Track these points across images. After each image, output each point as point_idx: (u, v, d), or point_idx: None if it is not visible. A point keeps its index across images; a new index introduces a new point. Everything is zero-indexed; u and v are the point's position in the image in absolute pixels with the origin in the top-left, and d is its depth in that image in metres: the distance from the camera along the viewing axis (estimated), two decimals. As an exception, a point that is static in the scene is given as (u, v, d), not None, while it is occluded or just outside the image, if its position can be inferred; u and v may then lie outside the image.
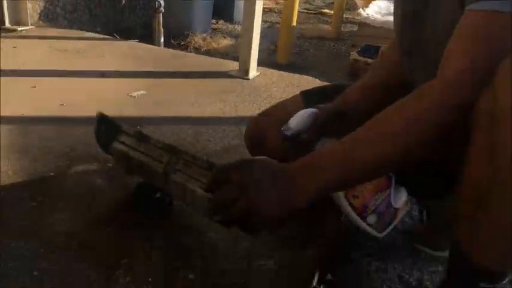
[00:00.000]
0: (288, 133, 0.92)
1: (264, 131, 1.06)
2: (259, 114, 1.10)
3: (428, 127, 0.70)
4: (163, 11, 2.81)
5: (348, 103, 1.03)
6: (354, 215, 0.84)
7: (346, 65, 2.68)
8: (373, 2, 2.91)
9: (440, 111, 0.70)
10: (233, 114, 1.75)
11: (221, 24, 3.66)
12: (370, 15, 2.55)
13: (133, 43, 2.60)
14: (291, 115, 0.97)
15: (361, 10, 2.63)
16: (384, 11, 2.64)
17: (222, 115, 1.74)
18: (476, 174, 0.71)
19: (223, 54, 2.87)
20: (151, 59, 2.32)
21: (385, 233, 0.85)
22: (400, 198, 0.86)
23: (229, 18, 3.71)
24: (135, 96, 1.83)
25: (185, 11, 3.08)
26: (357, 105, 1.03)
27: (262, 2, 2.12)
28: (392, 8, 1.07)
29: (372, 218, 0.85)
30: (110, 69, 2.11)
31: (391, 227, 0.85)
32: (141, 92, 1.88)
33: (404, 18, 0.97)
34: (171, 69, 2.19)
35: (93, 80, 1.97)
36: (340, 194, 0.85)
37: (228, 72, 2.19)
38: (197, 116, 1.71)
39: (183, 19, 3.06)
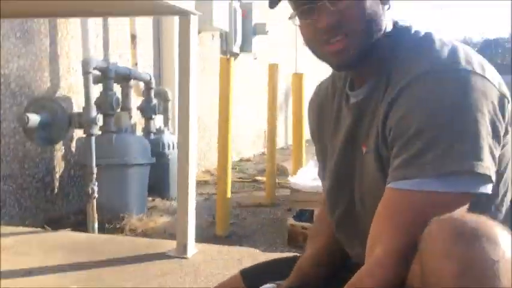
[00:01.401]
0: None
1: None
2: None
3: None
4: (97, 196, 2.80)
5: (304, 276, 1.04)
6: None
7: (284, 230, 2.71)
8: (300, 168, 3.08)
9: None
10: (173, 300, 1.65)
11: (158, 201, 3.67)
12: (299, 181, 2.68)
13: (65, 233, 2.52)
14: None
15: (289, 178, 2.76)
16: (312, 176, 2.78)
17: (161, 302, 1.64)
18: None
19: (161, 233, 2.83)
20: (84, 249, 2.23)
21: None
22: None
23: (165, 194, 3.74)
24: (66, 293, 1.71)
25: (119, 193, 3.09)
26: (313, 276, 1.04)
27: (194, 177, 2.18)
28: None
29: None
30: (37, 265, 1.99)
31: None
32: (73, 287, 1.76)
33: (333, 190, 1.02)
34: (105, 258, 2.10)
35: (18, 280, 1.84)
36: None
37: (165, 253, 2.13)
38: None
39: (118, 201, 3.05)
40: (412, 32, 0.92)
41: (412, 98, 0.81)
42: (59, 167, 3.12)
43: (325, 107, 1.06)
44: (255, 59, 6.58)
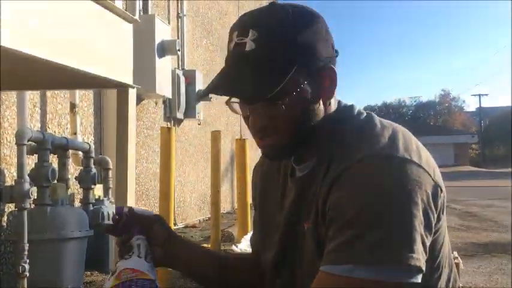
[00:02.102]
0: (126, 210, 0.92)
1: None
2: None
3: None
4: (27, 274, 2.62)
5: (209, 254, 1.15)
6: None
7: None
8: (244, 236, 3.05)
9: None
10: None
11: (95, 276, 3.49)
12: (243, 250, 2.64)
13: (-10, 317, 2.31)
14: None
15: (233, 247, 2.72)
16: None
17: None
18: None
19: (98, 311, 2.66)
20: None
21: None
22: None
23: (104, 267, 3.56)
24: None
25: (53, 270, 2.90)
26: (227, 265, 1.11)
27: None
28: None
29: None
30: None
31: None
32: None
33: (275, 264, 1.00)
34: None
35: None
36: (109, 284, 0.81)
37: (101, 335, 2.00)
38: None
39: (51, 279, 2.86)
40: (355, 113, 0.95)
41: (349, 183, 0.83)
42: (-13, 243, 2.92)
43: (270, 176, 1.07)
44: (199, 124, 6.63)
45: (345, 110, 0.96)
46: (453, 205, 9.30)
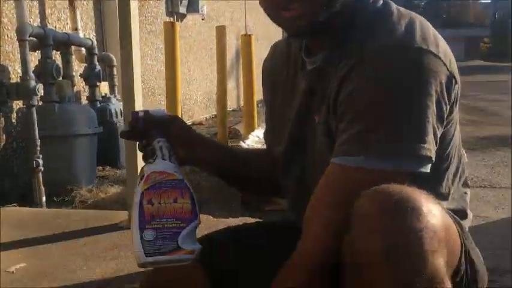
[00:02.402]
0: (141, 114, 0.91)
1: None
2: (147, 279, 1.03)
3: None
4: (42, 169, 2.71)
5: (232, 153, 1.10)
6: (135, 220, 0.77)
7: (237, 193, 2.72)
8: (251, 133, 3.08)
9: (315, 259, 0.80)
10: (126, 272, 1.64)
11: (108, 170, 3.60)
12: (250, 145, 2.68)
13: (10, 209, 2.44)
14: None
15: (241, 143, 2.76)
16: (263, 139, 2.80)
17: (114, 274, 1.62)
18: None
19: (113, 203, 2.78)
20: (31, 224, 2.17)
21: (148, 259, 0.75)
22: (189, 245, 0.78)
23: (115, 163, 3.67)
24: (13, 272, 1.66)
25: (66, 165, 3.00)
26: (245, 163, 1.07)
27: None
28: None
29: (149, 235, 0.76)
30: (-18, 244, 1.92)
31: (159, 259, 0.75)
32: (21, 265, 1.72)
33: (286, 157, 1.01)
34: (54, 232, 2.05)
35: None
36: (139, 189, 0.79)
37: (117, 224, 2.10)
38: (87, 281, 1.58)
39: (65, 174, 2.96)
40: (371, 1, 0.90)
41: (363, 75, 0.81)
42: (0, 140, 2.98)
43: (279, 70, 1.04)
44: (203, 19, 6.42)
45: None
46: (461, 100, 9.25)
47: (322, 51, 0.91)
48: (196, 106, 6.70)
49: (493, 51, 39.86)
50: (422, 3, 48.40)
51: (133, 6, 1.95)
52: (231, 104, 7.98)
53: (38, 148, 2.68)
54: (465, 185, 0.98)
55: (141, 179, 0.82)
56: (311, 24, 0.86)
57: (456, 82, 0.85)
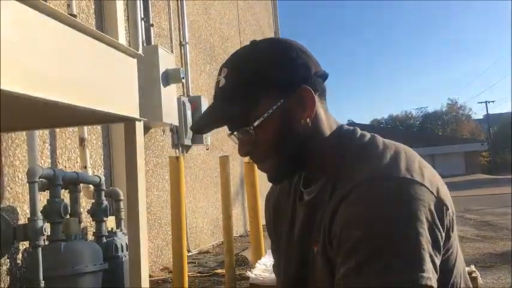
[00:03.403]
0: None
1: None
2: None
3: None
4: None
5: None
6: None
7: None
8: (258, 261, 3.03)
9: None
10: None
11: (112, 309, 3.48)
12: (257, 275, 2.63)
13: None
14: None
15: (248, 272, 2.71)
16: (270, 267, 2.74)
17: None
18: None
19: None
20: None
21: None
22: None
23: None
24: None
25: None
26: None
27: (147, 279, 2.09)
28: None
29: None
30: None
31: None
32: None
33: (289, 284, 1.01)
34: None
35: None
36: None
37: None
38: None
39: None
40: (358, 135, 0.97)
41: (352, 207, 0.84)
42: (4, 283, 2.93)
43: (281, 202, 1.08)
44: (207, 149, 6.66)
45: (348, 133, 0.98)
46: (468, 215, 9.19)
47: (318, 182, 0.96)
48: (202, 234, 6.66)
49: (494, 165, 40.37)
50: (417, 123, 50.22)
51: (139, 143, 2.06)
52: (238, 229, 7.93)
53: (42, 289, 2.62)
54: None
55: None
56: (281, 173, 0.97)
57: (448, 208, 0.86)
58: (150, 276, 4.75)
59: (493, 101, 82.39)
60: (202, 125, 1.02)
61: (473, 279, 2.36)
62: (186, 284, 2.87)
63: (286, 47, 0.96)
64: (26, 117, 2.01)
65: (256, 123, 0.92)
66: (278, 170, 0.96)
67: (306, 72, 0.95)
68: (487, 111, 46.50)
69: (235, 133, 0.96)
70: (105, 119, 2.33)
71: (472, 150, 36.76)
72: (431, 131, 45.55)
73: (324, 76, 0.98)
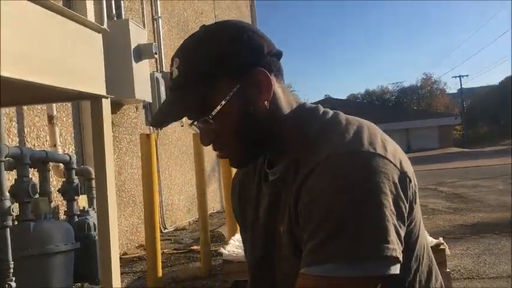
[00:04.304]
0: None
1: None
2: None
3: None
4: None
5: None
6: None
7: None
8: (232, 237, 3.04)
9: None
10: None
11: (86, 287, 3.46)
12: (231, 251, 2.64)
13: None
14: None
15: (221, 249, 2.71)
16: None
17: None
18: None
19: (89, 324, 2.64)
20: None
21: None
22: None
23: (94, 279, 3.53)
24: None
25: (42, 283, 2.87)
26: None
27: (118, 259, 2.07)
28: None
29: None
30: None
31: None
32: None
33: (256, 273, 1.01)
34: None
35: None
36: None
37: None
38: None
39: (39, 294, 2.83)
40: (320, 113, 0.96)
41: (316, 184, 0.83)
42: (-28, 263, 2.87)
43: (246, 185, 1.07)
44: (182, 126, 6.59)
45: (310, 111, 0.97)
46: (440, 188, 9.41)
47: (281, 162, 0.95)
48: (179, 211, 6.65)
49: (467, 138, 41.28)
50: (393, 97, 50.78)
51: (107, 121, 2.01)
52: (215, 206, 7.95)
53: (11, 270, 2.58)
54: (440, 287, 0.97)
55: None
56: (242, 157, 0.97)
57: (410, 181, 0.87)
58: (126, 253, 4.74)
59: (467, 75, 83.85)
60: (161, 120, 1.00)
61: (441, 251, 2.41)
62: (159, 261, 2.87)
63: (237, 31, 0.93)
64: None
65: (214, 113, 0.90)
66: (241, 156, 0.96)
67: (259, 53, 0.93)
68: (460, 85, 47.28)
69: (195, 123, 0.94)
70: (70, 97, 2.27)
71: (446, 124, 37.44)
72: (406, 106, 46.14)
73: (279, 54, 0.96)
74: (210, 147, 0.97)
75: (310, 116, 0.95)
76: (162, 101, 5.56)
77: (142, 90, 4.89)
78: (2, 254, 2.62)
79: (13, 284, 2.57)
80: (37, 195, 2.99)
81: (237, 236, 3.17)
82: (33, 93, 2.04)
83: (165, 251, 4.62)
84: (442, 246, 2.53)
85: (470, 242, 4.33)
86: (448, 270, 2.57)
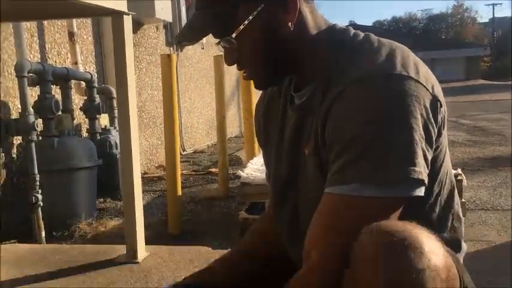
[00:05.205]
0: None
1: None
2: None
3: None
4: (41, 204, 2.71)
5: (210, 275, 1.10)
6: None
7: (237, 224, 2.71)
8: (250, 161, 3.08)
9: None
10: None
11: (108, 202, 3.60)
12: (249, 174, 2.68)
13: (9, 246, 2.43)
14: None
15: (239, 172, 2.76)
16: (262, 167, 2.79)
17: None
18: None
19: (112, 237, 2.77)
20: (29, 261, 2.15)
21: None
22: None
23: (116, 195, 3.67)
24: (9, 312, 1.65)
25: (66, 199, 3.00)
26: (219, 278, 1.09)
27: (139, 176, 2.13)
28: None
29: None
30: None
31: None
32: (17, 304, 1.70)
33: (279, 193, 1.02)
34: (52, 269, 2.04)
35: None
36: None
37: (115, 259, 2.09)
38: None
39: (65, 208, 2.96)
40: (351, 35, 0.93)
41: (347, 106, 0.82)
42: (0, 176, 2.99)
43: (271, 109, 1.06)
44: (202, 48, 6.50)
45: (340, 33, 0.93)
46: (462, 120, 9.28)
47: (309, 85, 0.93)
48: (198, 134, 6.73)
49: (494, 70, 40.02)
50: (421, 25, 48.87)
51: (128, 39, 1.98)
52: (234, 130, 8.01)
53: (37, 183, 2.69)
54: (458, 213, 0.98)
55: None
56: (266, 81, 0.96)
57: (441, 105, 0.86)
58: (146, 173, 4.87)
59: (501, 4, 79.79)
60: (187, 36, 0.99)
61: (458, 182, 2.42)
62: (179, 181, 2.95)
63: None
64: (10, 7, 1.91)
65: (236, 32, 0.88)
66: (264, 77, 0.94)
67: None
68: (493, 14, 45.12)
69: (220, 43, 0.92)
70: (91, 12, 2.24)
71: (474, 55, 36.17)
72: (434, 34, 44.46)
73: None
74: (231, 70, 0.95)
75: (340, 38, 0.92)
76: (182, 21, 5.46)
77: (163, 10, 4.78)
78: (28, 168, 2.72)
79: (39, 196, 2.69)
80: (60, 112, 3.04)
81: (255, 160, 3.21)
82: (54, 7, 2.01)
83: (183, 172, 4.73)
84: (459, 177, 2.53)
85: (488, 174, 4.32)
86: (463, 200, 2.60)
